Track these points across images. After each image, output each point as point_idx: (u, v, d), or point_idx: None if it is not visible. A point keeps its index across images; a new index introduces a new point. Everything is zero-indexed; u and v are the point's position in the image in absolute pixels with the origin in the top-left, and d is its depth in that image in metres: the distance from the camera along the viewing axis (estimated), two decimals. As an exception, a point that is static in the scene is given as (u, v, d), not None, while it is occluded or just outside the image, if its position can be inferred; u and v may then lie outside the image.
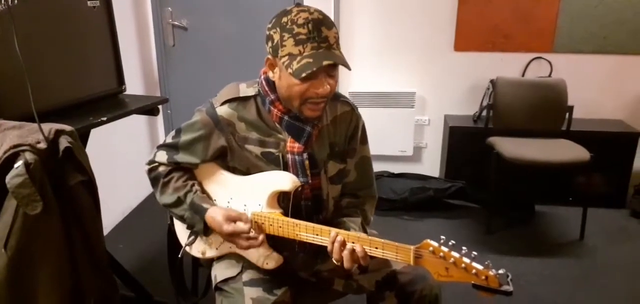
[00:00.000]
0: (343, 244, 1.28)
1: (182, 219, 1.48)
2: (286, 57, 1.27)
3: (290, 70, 1.26)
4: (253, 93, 1.43)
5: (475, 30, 3.48)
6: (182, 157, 1.46)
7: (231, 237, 1.38)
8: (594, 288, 2.56)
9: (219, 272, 1.51)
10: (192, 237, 1.53)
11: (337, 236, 1.29)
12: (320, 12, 1.29)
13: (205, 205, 1.42)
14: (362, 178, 1.60)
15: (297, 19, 1.25)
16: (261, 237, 1.37)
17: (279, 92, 1.38)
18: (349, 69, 1.29)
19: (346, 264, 1.28)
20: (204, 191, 1.50)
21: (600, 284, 2.60)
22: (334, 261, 1.30)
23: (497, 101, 3.23)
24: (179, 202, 1.45)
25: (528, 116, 3.19)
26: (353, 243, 1.27)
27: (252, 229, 1.37)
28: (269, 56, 1.34)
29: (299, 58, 1.25)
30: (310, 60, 1.24)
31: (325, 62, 1.24)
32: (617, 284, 2.60)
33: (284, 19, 1.27)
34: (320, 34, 1.25)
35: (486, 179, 3.09)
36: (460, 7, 3.44)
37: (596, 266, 2.77)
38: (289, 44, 1.26)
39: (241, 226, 1.35)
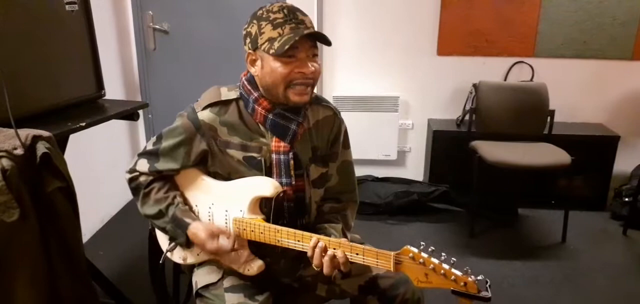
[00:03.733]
0: (324, 250, 1.28)
1: (163, 230, 1.47)
2: (266, 43, 1.30)
3: (272, 51, 1.28)
4: (235, 96, 1.43)
5: (458, 35, 3.50)
6: (162, 164, 1.45)
7: (214, 253, 1.39)
8: (576, 290, 2.59)
9: (200, 278, 1.49)
10: (173, 243, 1.51)
11: (318, 241, 1.28)
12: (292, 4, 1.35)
13: (187, 220, 1.41)
14: (344, 182, 1.60)
15: (272, 8, 1.32)
16: (245, 254, 1.38)
17: (262, 84, 1.38)
18: (329, 44, 1.33)
19: (326, 270, 1.28)
20: (185, 199, 1.48)
21: (582, 286, 2.63)
22: (314, 267, 1.30)
23: (480, 105, 3.25)
24: (160, 214, 1.43)
25: (510, 120, 3.22)
26: (334, 248, 1.27)
27: (235, 244, 1.37)
28: (250, 51, 1.36)
29: (278, 38, 1.29)
30: (291, 34, 1.28)
31: (306, 32, 1.28)
32: (598, 286, 2.63)
33: (259, 12, 1.33)
34: (297, 17, 1.31)
35: (469, 182, 3.11)
36: (442, 12, 3.46)
37: (578, 268, 2.80)
38: (267, 30, 1.30)
39: (224, 244, 1.35)
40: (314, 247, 1.28)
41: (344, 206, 1.60)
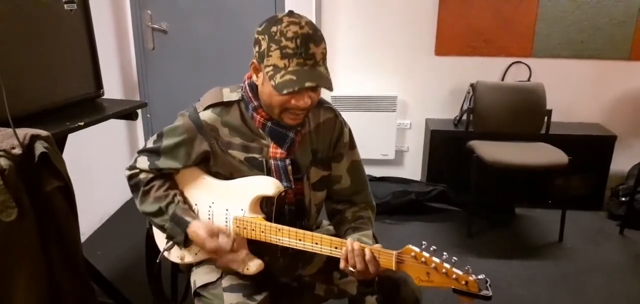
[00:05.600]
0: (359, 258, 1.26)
1: (162, 228, 1.46)
2: (271, 68, 1.26)
3: (272, 83, 1.25)
4: (237, 98, 1.42)
5: (456, 34, 3.51)
6: (163, 162, 1.44)
7: (213, 253, 1.38)
8: (573, 289, 2.59)
9: (198, 277, 1.49)
10: (171, 242, 1.51)
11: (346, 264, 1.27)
12: (311, 25, 1.27)
13: (187, 218, 1.41)
14: (356, 183, 1.57)
15: (286, 32, 1.23)
16: (243, 254, 1.37)
17: (260, 97, 1.37)
18: (331, 89, 1.29)
19: (371, 269, 1.26)
20: (185, 198, 1.48)
21: (579, 285, 2.63)
22: (352, 272, 1.28)
23: (477, 104, 3.26)
24: (160, 212, 1.43)
25: (508, 120, 3.23)
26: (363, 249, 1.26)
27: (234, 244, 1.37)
28: (255, 60, 1.33)
29: (282, 72, 1.24)
30: (294, 77, 1.23)
31: (307, 84, 1.24)
32: (595, 285, 2.63)
33: (274, 28, 1.25)
34: (308, 51, 1.24)
35: (467, 182, 3.12)
36: (440, 12, 3.47)
37: (575, 267, 2.81)
38: (275, 55, 1.25)
39: (223, 243, 1.35)
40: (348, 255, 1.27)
41: (366, 211, 1.56)
